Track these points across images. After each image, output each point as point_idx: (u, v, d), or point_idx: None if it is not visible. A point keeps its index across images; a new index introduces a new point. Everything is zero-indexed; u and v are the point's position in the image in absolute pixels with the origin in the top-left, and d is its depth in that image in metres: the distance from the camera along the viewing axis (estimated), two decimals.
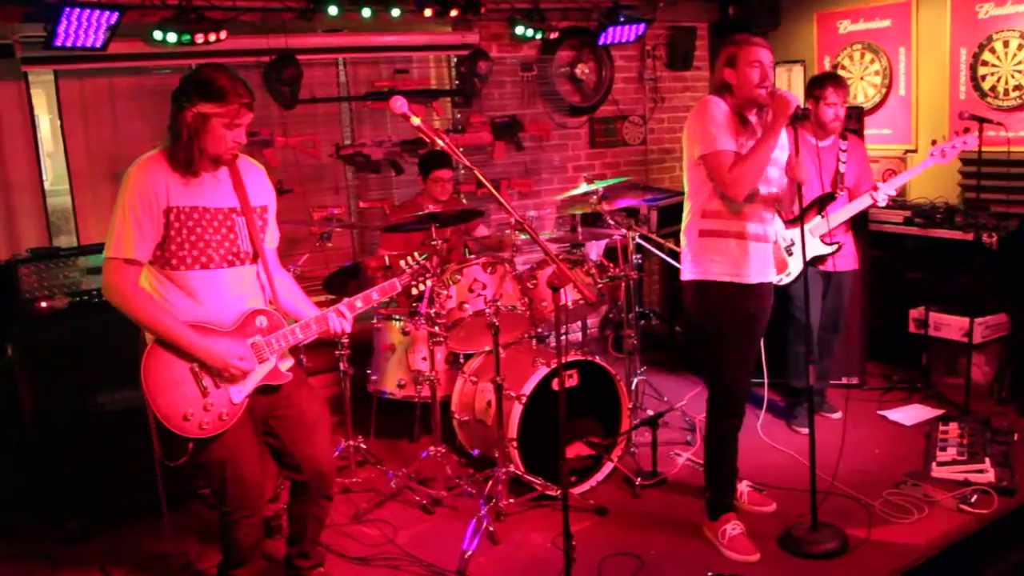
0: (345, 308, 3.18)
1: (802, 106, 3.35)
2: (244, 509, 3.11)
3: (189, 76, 2.92)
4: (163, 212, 2.86)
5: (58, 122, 4.99)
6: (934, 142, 4.62)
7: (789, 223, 4.61)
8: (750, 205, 3.50)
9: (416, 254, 3.35)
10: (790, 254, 4.63)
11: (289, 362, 3.17)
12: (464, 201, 5.86)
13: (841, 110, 4.62)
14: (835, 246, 4.67)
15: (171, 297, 2.92)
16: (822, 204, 4.60)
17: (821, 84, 4.61)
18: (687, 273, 3.64)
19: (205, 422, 2.91)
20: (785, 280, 4.61)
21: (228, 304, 2.99)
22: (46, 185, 4.97)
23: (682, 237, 3.66)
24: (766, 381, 4.58)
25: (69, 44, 4.41)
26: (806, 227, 4.65)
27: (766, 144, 3.36)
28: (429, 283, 3.39)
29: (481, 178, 3.03)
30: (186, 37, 4.73)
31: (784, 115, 3.32)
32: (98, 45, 4.51)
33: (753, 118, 3.51)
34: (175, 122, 2.88)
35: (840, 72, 6.45)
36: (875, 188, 4.57)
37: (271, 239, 3.21)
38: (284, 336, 3.07)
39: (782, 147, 3.55)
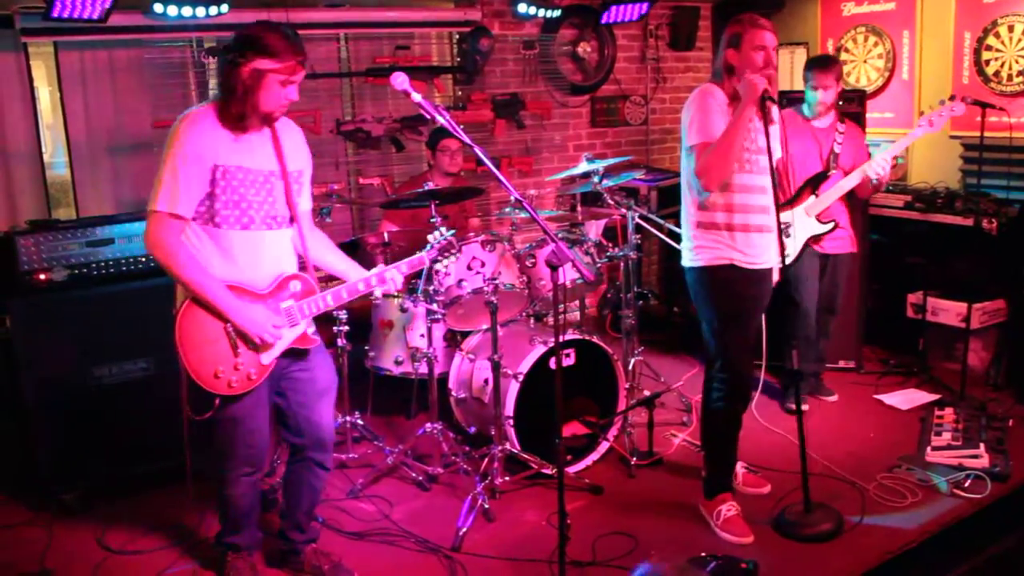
0: (404, 266, 3.22)
1: (769, 89, 3.31)
2: (247, 466, 3.14)
3: (244, 33, 2.87)
4: (210, 169, 2.85)
5: (58, 94, 4.96)
6: (922, 113, 4.61)
7: (781, 207, 4.59)
8: (747, 195, 3.47)
9: (444, 229, 3.33)
10: (787, 235, 4.63)
11: (314, 327, 3.19)
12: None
13: (825, 94, 4.67)
14: (831, 224, 4.67)
15: (209, 255, 2.92)
16: (815, 183, 4.59)
17: (806, 67, 4.76)
18: (687, 260, 3.62)
19: (234, 380, 2.94)
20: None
21: (264, 267, 3.01)
22: (45, 157, 4.95)
23: (682, 225, 3.65)
24: (764, 363, 4.59)
25: (67, 15, 4.37)
26: (801, 206, 4.66)
27: (733, 131, 3.32)
28: (454, 258, 3.38)
29: (481, 156, 3.01)
30: (187, 10, 4.69)
31: (752, 99, 3.29)
32: (97, 17, 4.47)
33: None
34: (229, 78, 2.84)
35: (843, 55, 6.43)
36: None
37: (305, 202, 3.21)
38: (316, 302, 3.09)
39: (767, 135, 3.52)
